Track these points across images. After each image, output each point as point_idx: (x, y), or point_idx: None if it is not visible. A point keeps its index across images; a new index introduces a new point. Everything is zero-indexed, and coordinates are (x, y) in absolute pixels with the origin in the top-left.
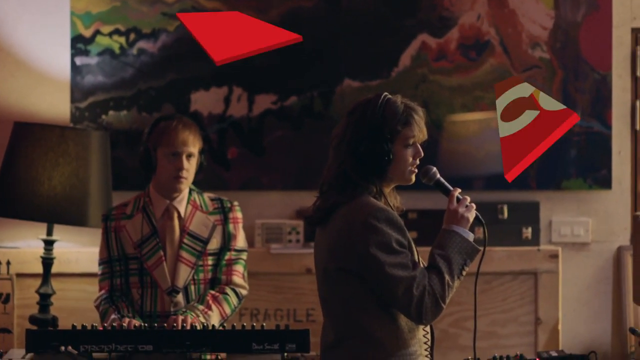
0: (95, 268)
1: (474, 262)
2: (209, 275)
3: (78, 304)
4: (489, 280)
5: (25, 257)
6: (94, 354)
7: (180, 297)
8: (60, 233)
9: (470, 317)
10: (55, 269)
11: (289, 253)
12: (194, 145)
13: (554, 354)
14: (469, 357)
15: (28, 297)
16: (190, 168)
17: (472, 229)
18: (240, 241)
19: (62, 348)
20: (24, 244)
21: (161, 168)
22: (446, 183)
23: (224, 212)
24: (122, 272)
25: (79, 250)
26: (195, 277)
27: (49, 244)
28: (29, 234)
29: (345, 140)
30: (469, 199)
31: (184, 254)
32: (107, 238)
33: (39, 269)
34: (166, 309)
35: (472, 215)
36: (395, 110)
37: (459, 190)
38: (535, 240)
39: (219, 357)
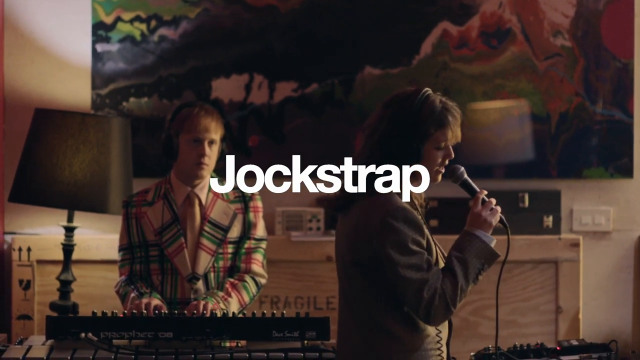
0: (115, 255)
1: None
2: (229, 264)
3: (98, 291)
4: (510, 268)
5: (45, 243)
6: (114, 341)
7: (200, 284)
8: (81, 220)
9: (490, 305)
10: (75, 255)
11: (310, 241)
12: (215, 132)
13: (574, 342)
14: (490, 346)
15: (48, 283)
16: (211, 155)
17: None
18: (260, 230)
19: (83, 335)
20: (45, 230)
21: (183, 154)
22: (473, 184)
23: (244, 201)
24: (143, 258)
25: (99, 237)
26: (215, 265)
27: (69, 230)
28: (49, 220)
29: (377, 133)
30: (494, 201)
31: (205, 242)
32: (127, 224)
33: (59, 255)
34: (186, 295)
35: (495, 219)
36: (432, 111)
37: (485, 192)
38: (556, 229)
39: (239, 345)
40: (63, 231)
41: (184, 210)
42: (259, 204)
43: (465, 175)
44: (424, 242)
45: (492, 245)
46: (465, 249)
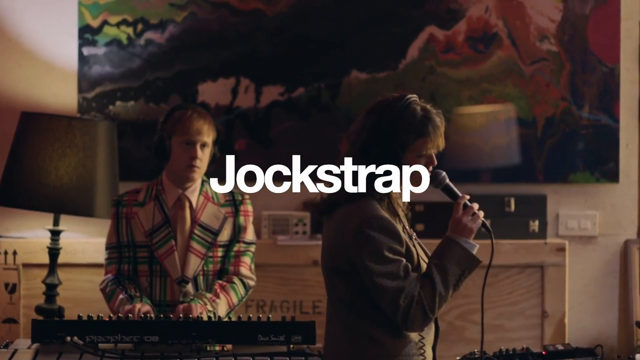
0: (101, 258)
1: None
2: (218, 267)
3: (84, 295)
4: (496, 273)
5: (31, 247)
6: (100, 345)
7: (189, 287)
8: (67, 223)
9: (476, 310)
10: (61, 259)
11: (296, 245)
12: (208, 135)
13: (560, 347)
14: (475, 350)
15: (34, 287)
16: (203, 157)
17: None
18: (250, 234)
19: (68, 338)
20: (31, 234)
21: (175, 156)
22: (455, 188)
23: (235, 205)
24: (130, 258)
25: (85, 240)
26: (205, 268)
27: (55, 234)
28: (35, 224)
29: (360, 140)
30: (476, 206)
31: (194, 245)
32: (117, 223)
33: (45, 259)
34: (175, 298)
35: (477, 225)
36: (412, 120)
37: (467, 197)
38: (542, 234)
39: (225, 348)
40: (49, 234)
41: (175, 213)
42: (249, 207)
43: (447, 180)
44: (402, 249)
45: (474, 251)
46: (444, 256)
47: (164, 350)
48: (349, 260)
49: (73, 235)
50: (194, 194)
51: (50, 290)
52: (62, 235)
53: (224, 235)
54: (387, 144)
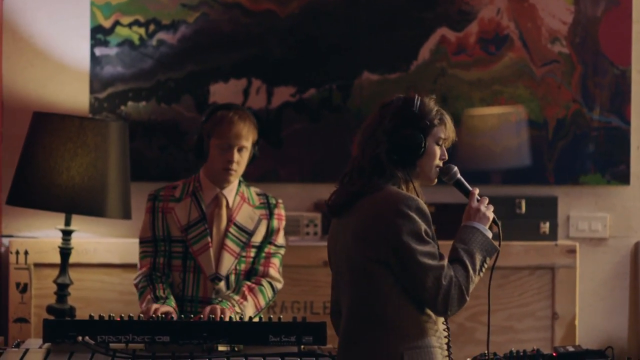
0: (112, 259)
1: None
2: (250, 267)
3: (95, 294)
4: (506, 274)
5: (43, 247)
6: (111, 345)
7: (222, 285)
8: (78, 223)
9: (487, 311)
10: (73, 259)
11: (307, 245)
12: (247, 139)
13: (570, 349)
14: (486, 351)
15: (46, 287)
16: (241, 161)
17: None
18: (281, 238)
19: (79, 338)
20: (42, 233)
21: (212, 158)
22: (466, 183)
23: (269, 208)
24: (166, 252)
25: (96, 240)
26: (237, 268)
27: (66, 234)
28: (47, 224)
29: (381, 128)
30: (487, 199)
31: (229, 243)
32: (153, 217)
33: (56, 259)
34: (208, 295)
35: (491, 214)
36: (431, 108)
37: (478, 190)
38: (552, 235)
39: (236, 349)
40: (60, 234)
41: (211, 210)
42: (283, 212)
43: (459, 175)
44: (432, 235)
45: (490, 238)
46: (469, 241)
47: (175, 350)
48: (388, 243)
49: (84, 235)
50: (230, 194)
51: (62, 290)
52: (73, 235)
53: (258, 237)
54: (412, 126)
